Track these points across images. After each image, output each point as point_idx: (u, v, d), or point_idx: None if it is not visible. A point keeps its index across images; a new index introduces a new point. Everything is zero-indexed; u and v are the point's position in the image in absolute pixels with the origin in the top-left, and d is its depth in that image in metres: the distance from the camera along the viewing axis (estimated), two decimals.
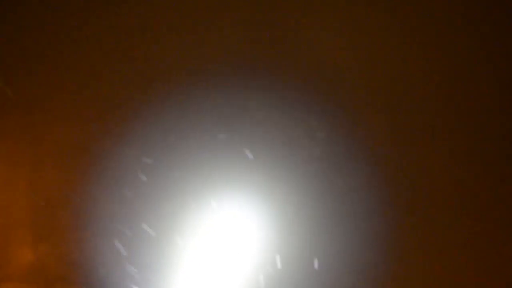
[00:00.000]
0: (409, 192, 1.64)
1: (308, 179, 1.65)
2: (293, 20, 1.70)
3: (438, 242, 1.63)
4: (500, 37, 1.68)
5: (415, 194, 1.64)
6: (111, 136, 1.69)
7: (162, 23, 1.73)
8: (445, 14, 1.69)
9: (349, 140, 1.66)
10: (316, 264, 1.61)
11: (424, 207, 1.64)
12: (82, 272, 1.66)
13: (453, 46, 1.68)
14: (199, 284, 1.64)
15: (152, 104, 1.69)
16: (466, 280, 1.62)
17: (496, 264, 1.62)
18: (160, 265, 1.65)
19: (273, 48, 1.69)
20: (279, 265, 1.62)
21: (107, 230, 1.67)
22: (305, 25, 1.70)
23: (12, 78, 1.72)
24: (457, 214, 1.64)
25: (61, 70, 1.73)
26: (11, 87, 1.72)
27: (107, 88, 1.72)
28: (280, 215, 1.64)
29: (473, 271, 1.63)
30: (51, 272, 1.67)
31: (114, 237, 1.66)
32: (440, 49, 1.68)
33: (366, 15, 1.69)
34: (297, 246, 1.63)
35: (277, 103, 1.67)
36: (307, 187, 1.65)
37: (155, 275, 1.65)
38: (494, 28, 1.68)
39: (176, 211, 1.66)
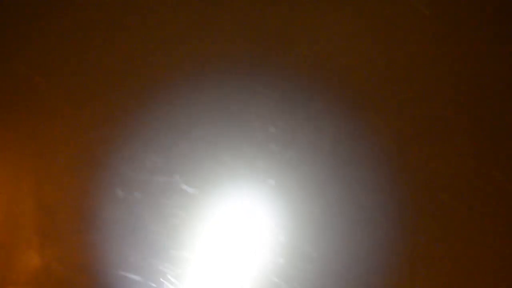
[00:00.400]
0: (416, 191, 1.63)
1: (314, 178, 1.64)
2: (298, 18, 1.69)
3: (447, 242, 1.62)
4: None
5: (421, 192, 1.63)
6: (117, 140, 1.68)
7: (161, 25, 1.72)
8: (453, 15, 1.68)
9: (355, 138, 1.65)
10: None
11: (431, 205, 1.63)
12: (90, 276, 1.65)
13: (463, 45, 1.67)
14: (208, 281, 1.63)
15: (158, 106, 1.68)
16: (474, 279, 1.61)
17: (505, 263, 1.61)
18: (167, 268, 1.64)
19: (277, 46, 1.68)
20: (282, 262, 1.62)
21: (115, 233, 1.66)
22: (310, 23, 1.69)
23: (16, 81, 1.72)
24: (465, 213, 1.63)
25: (68, 73, 1.72)
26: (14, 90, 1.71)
27: (113, 92, 1.71)
28: (286, 213, 1.63)
29: (481, 269, 1.61)
30: (58, 276, 1.66)
31: (122, 241, 1.65)
32: (448, 48, 1.67)
33: (372, 13, 1.68)
34: (302, 244, 1.62)
35: (281, 101, 1.66)
36: (313, 186, 1.64)
37: (161, 277, 1.64)
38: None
39: (181, 212, 1.65)
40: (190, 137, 1.67)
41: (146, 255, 1.64)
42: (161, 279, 1.63)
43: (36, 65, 1.72)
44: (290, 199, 1.63)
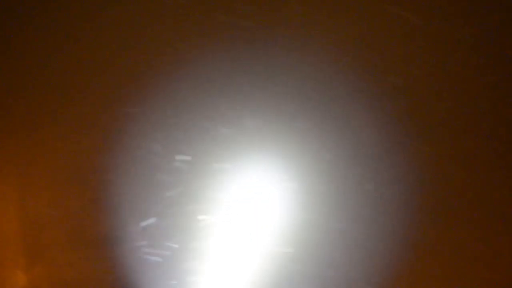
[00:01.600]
0: (417, 192, 1.64)
1: (317, 179, 1.65)
2: (287, 17, 1.72)
3: (446, 241, 1.61)
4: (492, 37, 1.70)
5: (421, 193, 1.64)
6: (101, 155, 1.68)
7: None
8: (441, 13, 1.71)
9: (349, 139, 1.66)
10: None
11: (431, 205, 1.63)
12: None
13: (452, 45, 1.70)
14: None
15: (145, 115, 1.69)
16: (472, 277, 1.60)
17: (506, 261, 1.60)
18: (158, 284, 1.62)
19: (266, 48, 1.70)
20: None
21: (101, 250, 1.64)
22: (299, 24, 1.71)
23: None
24: (463, 213, 1.63)
25: (52, 89, 1.72)
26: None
27: (98, 105, 1.71)
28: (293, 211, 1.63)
29: (480, 268, 1.61)
30: None
31: (108, 257, 1.63)
32: (438, 48, 1.70)
33: (361, 15, 1.71)
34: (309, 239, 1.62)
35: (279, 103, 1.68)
36: (317, 189, 1.64)
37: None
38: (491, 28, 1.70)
39: (174, 223, 1.64)
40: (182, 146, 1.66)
41: (134, 269, 1.62)
42: None
43: (20, 79, 1.73)
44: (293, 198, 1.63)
